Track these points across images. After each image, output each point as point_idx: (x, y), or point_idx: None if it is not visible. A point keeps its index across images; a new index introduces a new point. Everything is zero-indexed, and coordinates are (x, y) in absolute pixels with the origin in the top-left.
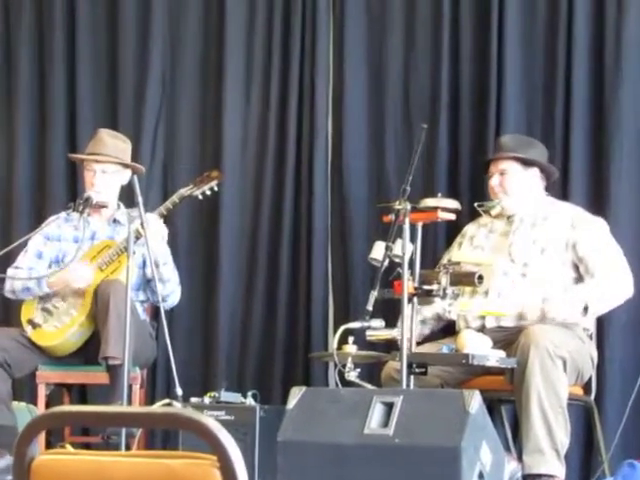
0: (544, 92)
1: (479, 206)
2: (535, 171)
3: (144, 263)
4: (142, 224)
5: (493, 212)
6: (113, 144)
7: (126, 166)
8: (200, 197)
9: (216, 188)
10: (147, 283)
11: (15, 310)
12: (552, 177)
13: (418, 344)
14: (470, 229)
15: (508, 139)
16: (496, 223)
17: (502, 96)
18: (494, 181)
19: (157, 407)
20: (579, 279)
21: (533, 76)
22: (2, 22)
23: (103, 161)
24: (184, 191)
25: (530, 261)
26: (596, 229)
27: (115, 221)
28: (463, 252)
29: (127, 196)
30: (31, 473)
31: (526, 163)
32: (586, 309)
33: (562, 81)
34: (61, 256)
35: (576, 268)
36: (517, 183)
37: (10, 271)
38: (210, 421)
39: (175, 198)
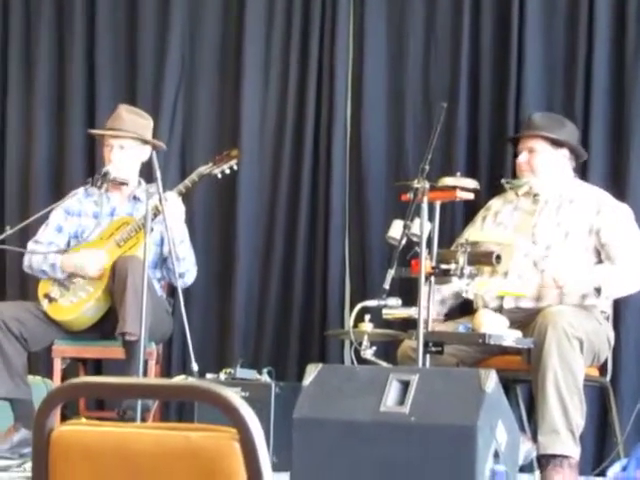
0: (564, 72)
1: (507, 183)
2: (565, 152)
3: (162, 241)
4: (160, 201)
5: (520, 191)
6: (132, 120)
7: (145, 142)
8: (219, 176)
9: (235, 167)
10: (164, 261)
11: (32, 284)
12: (581, 158)
13: (445, 318)
14: (495, 204)
15: (539, 117)
16: (522, 201)
17: (522, 75)
18: (522, 158)
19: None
20: (600, 264)
21: (553, 56)
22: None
23: (121, 136)
24: (203, 169)
25: (553, 244)
26: (621, 216)
27: (135, 198)
28: (484, 230)
29: (146, 173)
30: (50, 445)
31: (556, 143)
32: (599, 290)
33: (583, 61)
34: (80, 231)
35: (598, 254)
36: (545, 162)
37: (30, 245)
38: (230, 393)
39: (194, 176)
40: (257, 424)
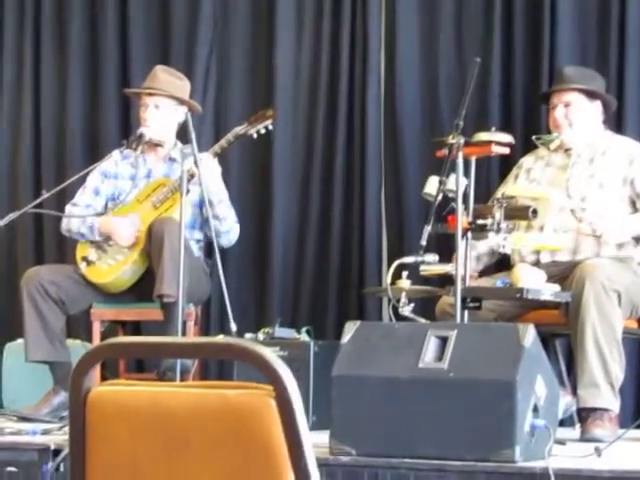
0: (598, 24)
1: (537, 139)
2: (598, 104)
3: (200, 202)
4: (195, 162)
5: (552, 146)
6: (168, 80)
7: (181, 102)
8: (255, 136)
9: (271, 127)
10: (206, 222)
11: (70, 248)
12: (611, 110)
13: (477, 279)
14: (527, 161)
15: (572, 70)
16: (553, 156)
17: (555, 29)
18: (559, 112)
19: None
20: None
21: (587, 8)
22: None
23: (156, 94)
24: (239, 129)
25: (588, 196)
26: None
27: (171, 159)
28: (519, 185)
29: (182, 135)
30: (87, 405)
31: (591, 95)
32: (638, 239)
33: (616, 12)
34: (117, 194)
35: (633, 204)
36: (582, 115)
37: (67, 208)
38: (266, 351)
39: (230, 137)
40: (293, 381)
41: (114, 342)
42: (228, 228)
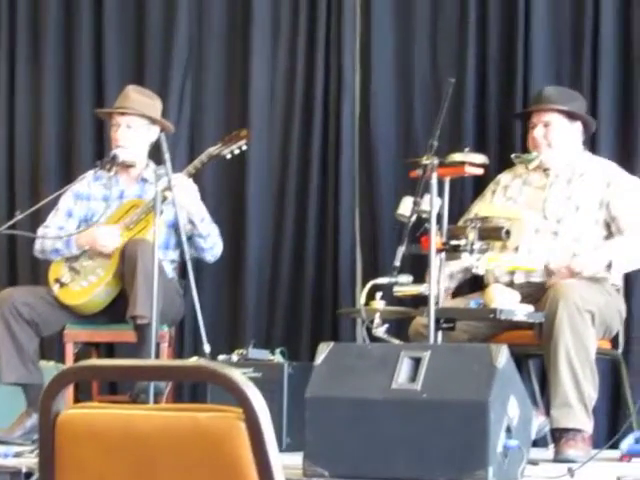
0: (571, 44)
1: (516, 157)
2: (578, 125)
3: (175, 222)
4: (169, 183)
5: (531, 166)
6: (139, 99)
7: (153, 122)
8: (228, 156)
9: (245, 147)
10: (189, 240)
11: (43, 269)
12: (591, 131)
13: (453, 296)
14: (504, 178)
15: (553, 90)
16: (531, 175)
17: (529, 49)
18: (538, 132)
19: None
20: (609, 237)
21: (560, 29)
22: None
23: (128, 114)
24: (213, 150)
25: (564, 218)
26: (631, 188)
27: (143, 179)
28: (494, 205)
29: (155, 155)
30: (57, 427)
31: (571, 116)
32: (610, 265)
33: (590, 32)
34: (90, 215)
35: (608, 227)
36: (562, 136)
37: (40, 230)
38: (236, 373)
39: (204, 157)
40: (262, 403)
41: (84, 365)
42: (212, 244)
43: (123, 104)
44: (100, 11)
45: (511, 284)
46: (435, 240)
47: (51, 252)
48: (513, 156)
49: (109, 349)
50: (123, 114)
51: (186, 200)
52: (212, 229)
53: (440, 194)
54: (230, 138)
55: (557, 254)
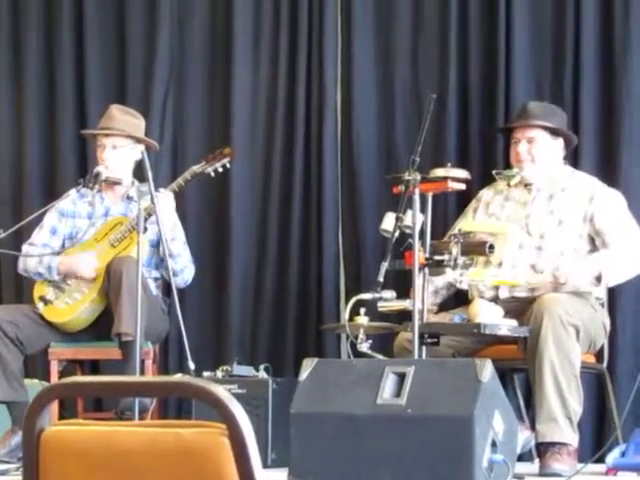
0: (552, 59)
1: (497, 174)
2: (561, 141)
3: (158, 241)
4: (152, 200)
5: (512, 182)
6: (124, 119)
7: (138, 141)
8: (212, 174)
9: (228, 165)
10: (161, 261)
11: (27, 287)
12: (572, 146)
13: (436, 313)
14: (486, 195)
15: (536, 106)
16: (513, 191)
17: (510, 64)
18: (522, 148)
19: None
20: (593, 252)
21: (542, 43)
22: (10, 0)
23: (114, 135)
24: (196, 168)
25: (547, 233)
26: (614, 202)
27: (129, 197)
28: (477, 220)
29: (140, 173)
30: (41, 444)
31: (554, 132)
32: (599, 279)
33: (571, 47)
34: (74, 232)
35: (592, 241)
36: (545, 152)
37: (24, 248)
38: (219, 389)
39: (187, 175)
40: (246, 419)
41: (68, 382)
42: (182, 267)
43: (108, 124)
44: (81, 28)
45: (496, 299)
46: (418, 255)
47: (34, 274)
48: (494, 172)
49: (93, 366)
50: (108, 135)
51: (165, 217)
52: (184, 251)
53: (423, 209)
54: (214, 156)
55: (542, 267)
